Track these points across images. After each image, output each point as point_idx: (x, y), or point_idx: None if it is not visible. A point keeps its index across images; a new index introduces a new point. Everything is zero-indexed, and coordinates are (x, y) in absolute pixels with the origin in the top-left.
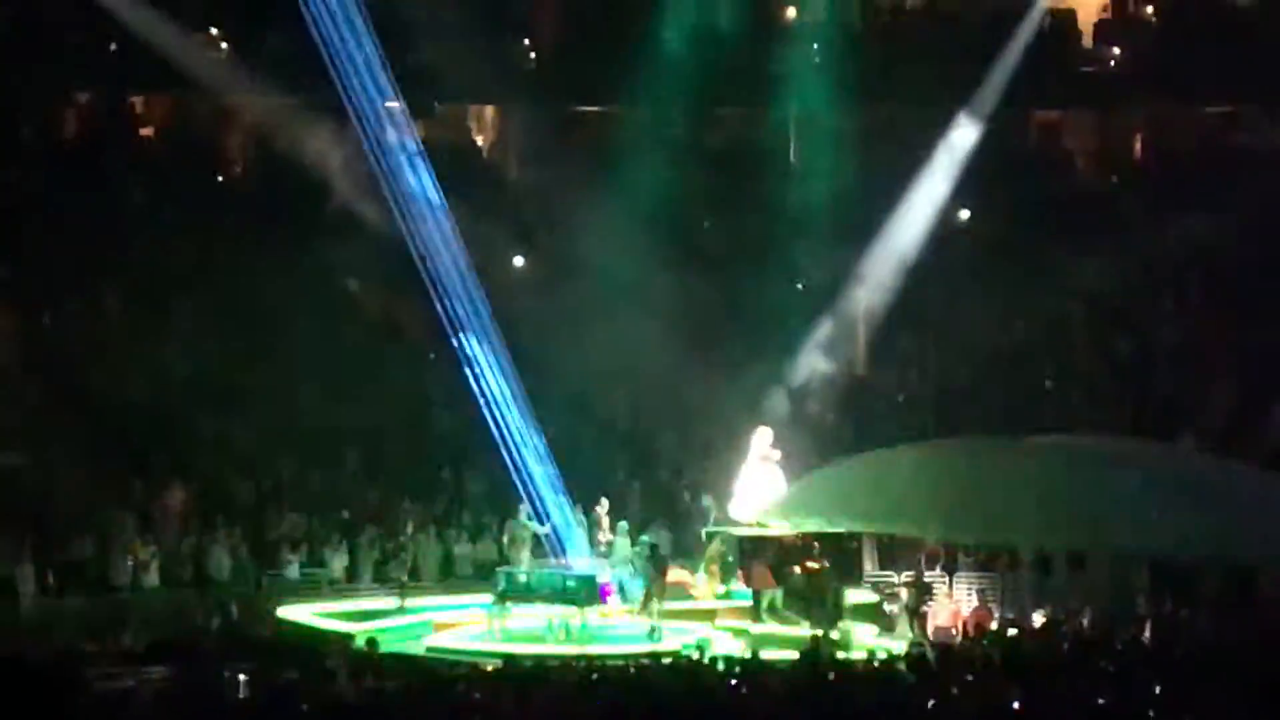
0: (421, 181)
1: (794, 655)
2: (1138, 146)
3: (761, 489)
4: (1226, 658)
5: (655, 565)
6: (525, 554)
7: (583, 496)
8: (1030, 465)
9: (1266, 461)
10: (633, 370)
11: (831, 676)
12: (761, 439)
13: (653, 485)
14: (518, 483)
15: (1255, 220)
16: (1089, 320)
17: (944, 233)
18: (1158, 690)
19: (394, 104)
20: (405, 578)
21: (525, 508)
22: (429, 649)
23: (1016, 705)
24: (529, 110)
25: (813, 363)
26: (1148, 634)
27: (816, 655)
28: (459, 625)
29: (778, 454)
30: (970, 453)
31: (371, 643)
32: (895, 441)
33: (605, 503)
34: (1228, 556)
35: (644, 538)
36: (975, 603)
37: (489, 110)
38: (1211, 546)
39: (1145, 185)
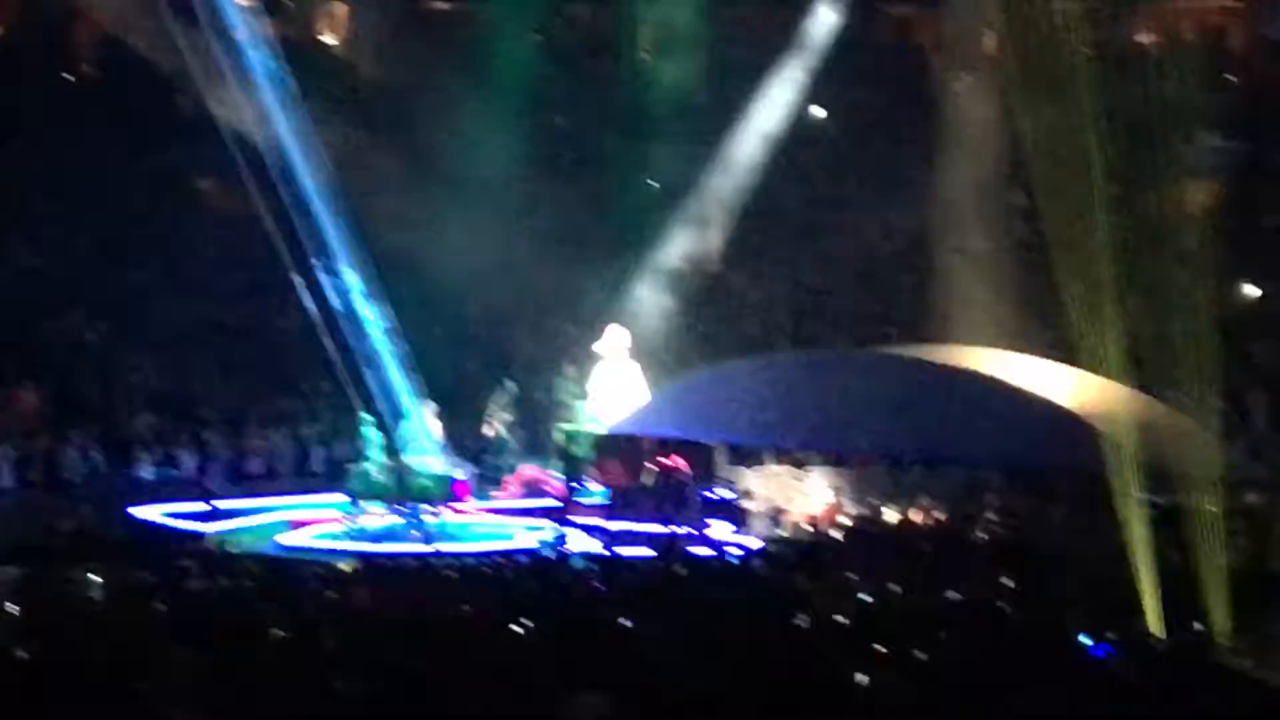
0: (272, 79)
1: (649, 552)
2: (988, 41)
3: (617, 387)
4: (1078, 553)
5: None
6: (377, 452)
7: (438, 397)
8: (880, 376)
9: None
10: (488, 270)
11: (685, 572)
12: (615, 337)
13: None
14: (370, 382)
15: (1100, 115)
16: (943, 221)
17: (802, 131)
18: (1008, 584)
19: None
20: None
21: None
22: (283, 548)
23: (867, 597)
24: (379, 6)
25: (669, 260)
26: (1001, 530)
27: (671, 551)
28: (313, 524)
29: (626, 351)
30: (822, 364)
31: (222, 542)
32: (750, 341)
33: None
34: (1074, 465)
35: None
36: (829, 498)
37: (339, 6)
38: (1057, 457)
39: (996, 82)
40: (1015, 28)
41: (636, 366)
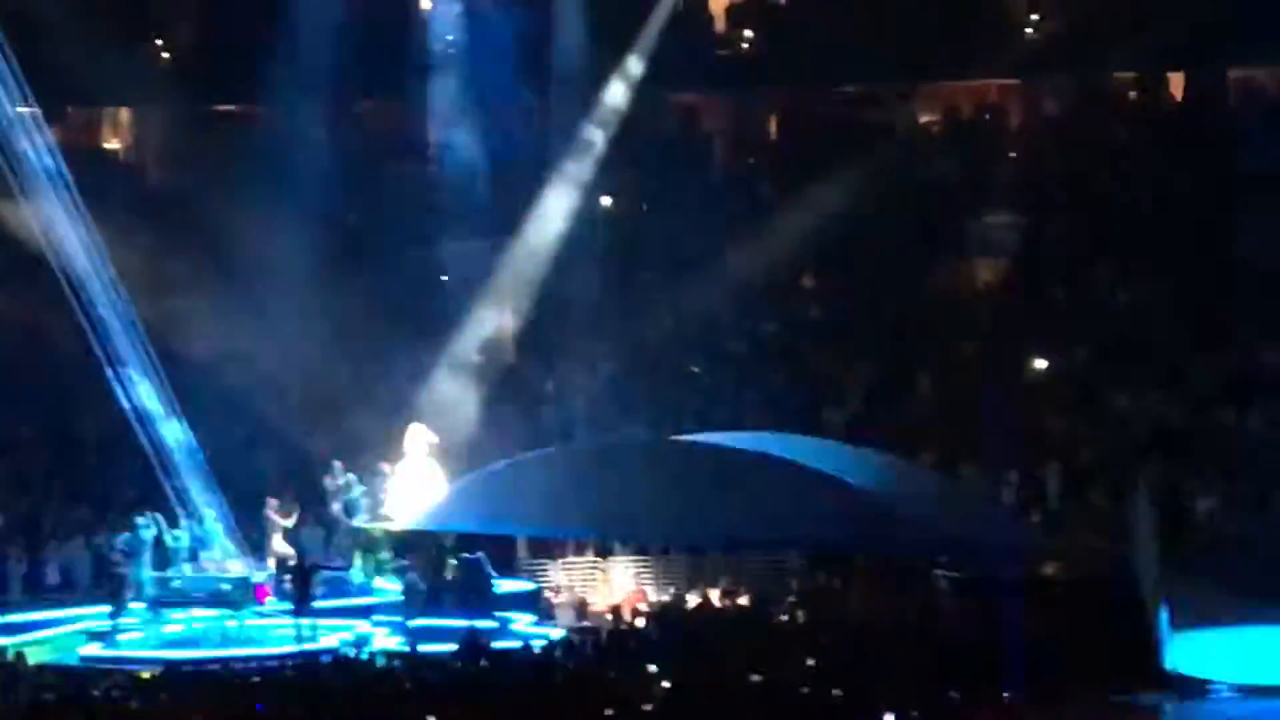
0: (56, 186)
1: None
2: (773, 128)
3: (420, 485)
4: (876, 633)
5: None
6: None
7: (237, 498)
8: (677, 463)
9: (908, 434)
10: (283, 368)
11: (486, 664)
12: (416, 435)
13: (306, 484)
14: (168, 487)
15: (889, 195)
16: (735, 305)
17: (588, 220)
18: (809, 664)
19: (25, 109)
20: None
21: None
22: (83, 658)
23: (667, 684)
24: (165, 111)
25: (464, 355)
26: (801, 613)
27: (474, 645)
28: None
29: (433, 448)
30: (619, 453)
31: (20, 656)
32: (545, 432)
33: (273, 501)
34: (869, 546)
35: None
36: (632, 586)
37: (124, 112)
38: (855, 537)
39: (782, 166)
40: (797, 112)
41: (437, 465)
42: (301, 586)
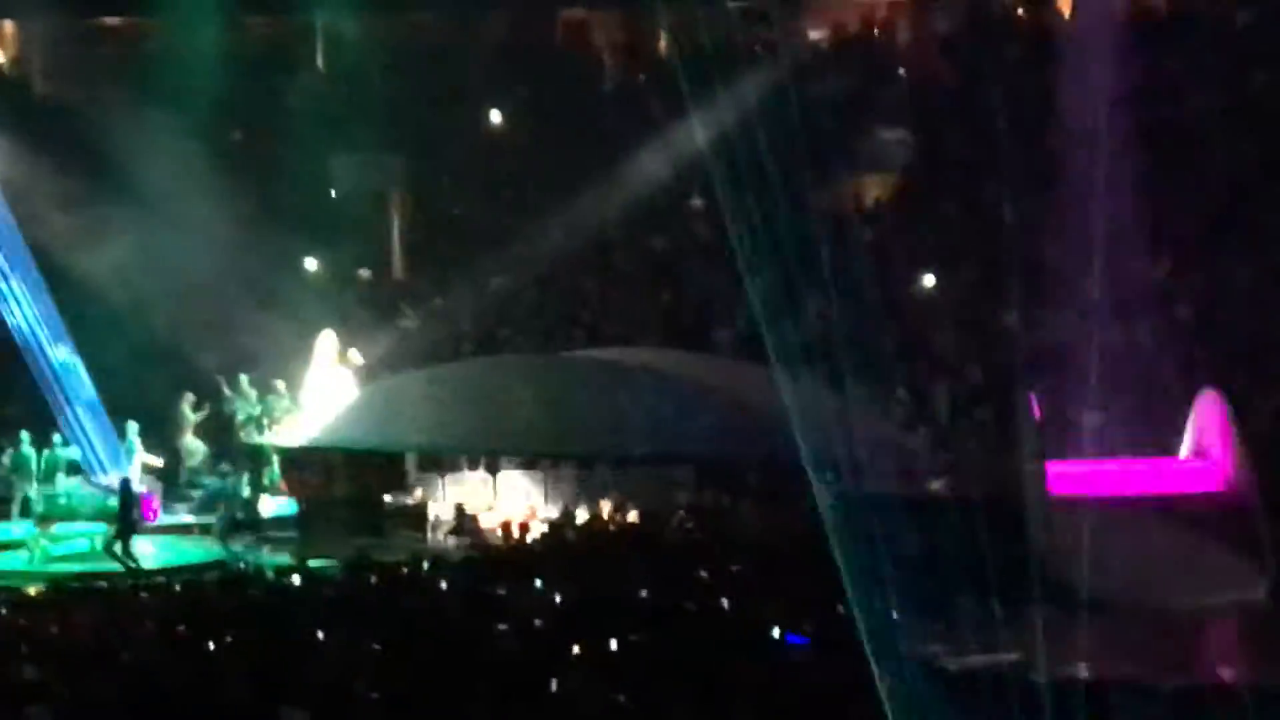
0: None
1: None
2: (662, 44)
3: (332, 393)
4: (766, 549)
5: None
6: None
7: (123, 416)
8: (558, 379)
9: (796, 352)
10: (170, 286)
11: (376, 580)
12: (326, 343)
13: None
14: (53, 405)
15: (777, 112)
16: (624, 222)
17: (479, 136)
18: (701, 579)
19: None
20: None
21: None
22: None
23: (559, 598)
24: (49, 24)
25: (354, 270)
26: (691, 528)
27: (361, 562)
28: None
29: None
30: (508, 369)
31: None
32: (437, 348)
33: (134, 425)
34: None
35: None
36: (521, 502)
37: (8, 25)
38: (744, 450)
39: (671, 83)
40: (686, 28)
41: (349, 372)
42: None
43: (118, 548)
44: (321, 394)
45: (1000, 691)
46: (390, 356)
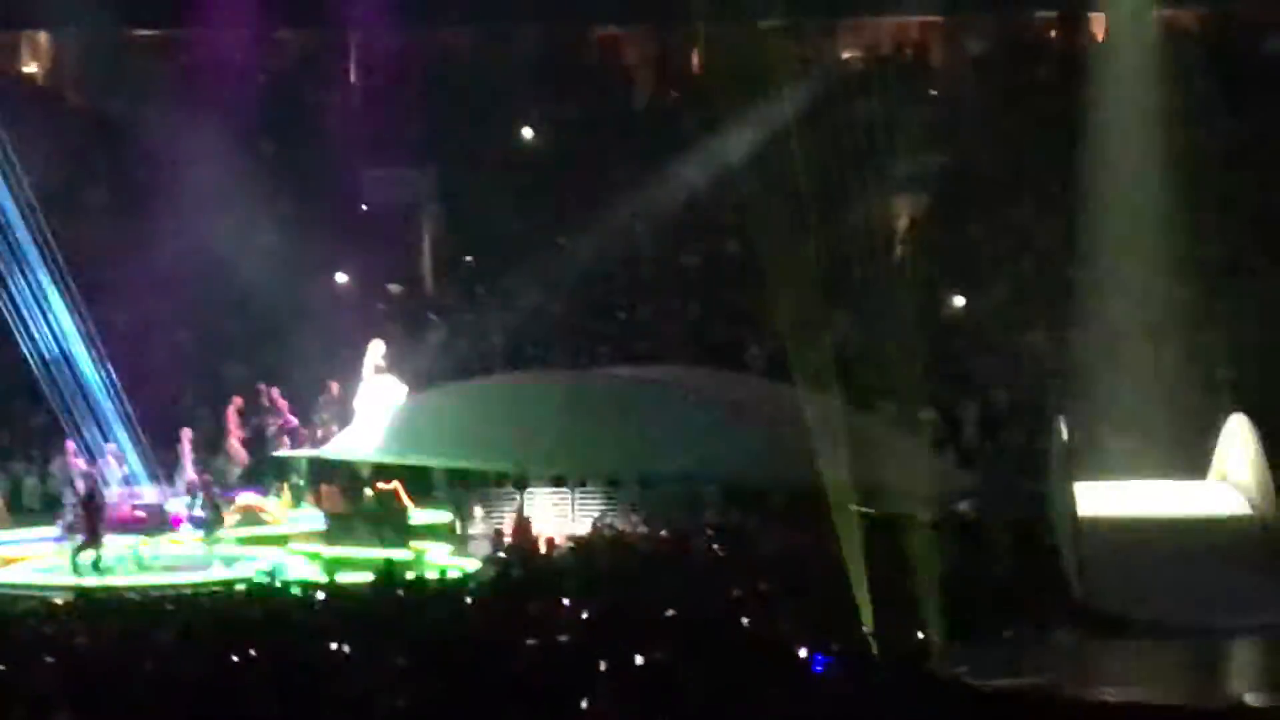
0: None
1: (368, 577)
2: (695, 62)
3: (382, 401)
4: (792, 569)
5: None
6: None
7: (153, 426)
8: (595, 395)
9: (827, 371)
10: (204, 297)
11: (403, 595)
12: (376, 352)
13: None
14: (81, 414)
15: (810, 131)
16: (656, 236)
17: (510, 150)
18: (730, 597)
19: None
20: None
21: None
22: None
23: (587, 615)
24: (85, 34)
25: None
26: (717, 547)
27: (389, 576)
28: (27, 559)
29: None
30: (539, 386)
31: None
32: (466, 362)
33: (188, 432)
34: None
35: None
36: (550, 517)
37: (42, 35)
38: (772, 472)
39: (704, 100)
40: (719, 46)
41: (398, 381)
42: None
43: (82, 556)
44: (372, 403)
45: (1027, 714)
46: (419, 370)
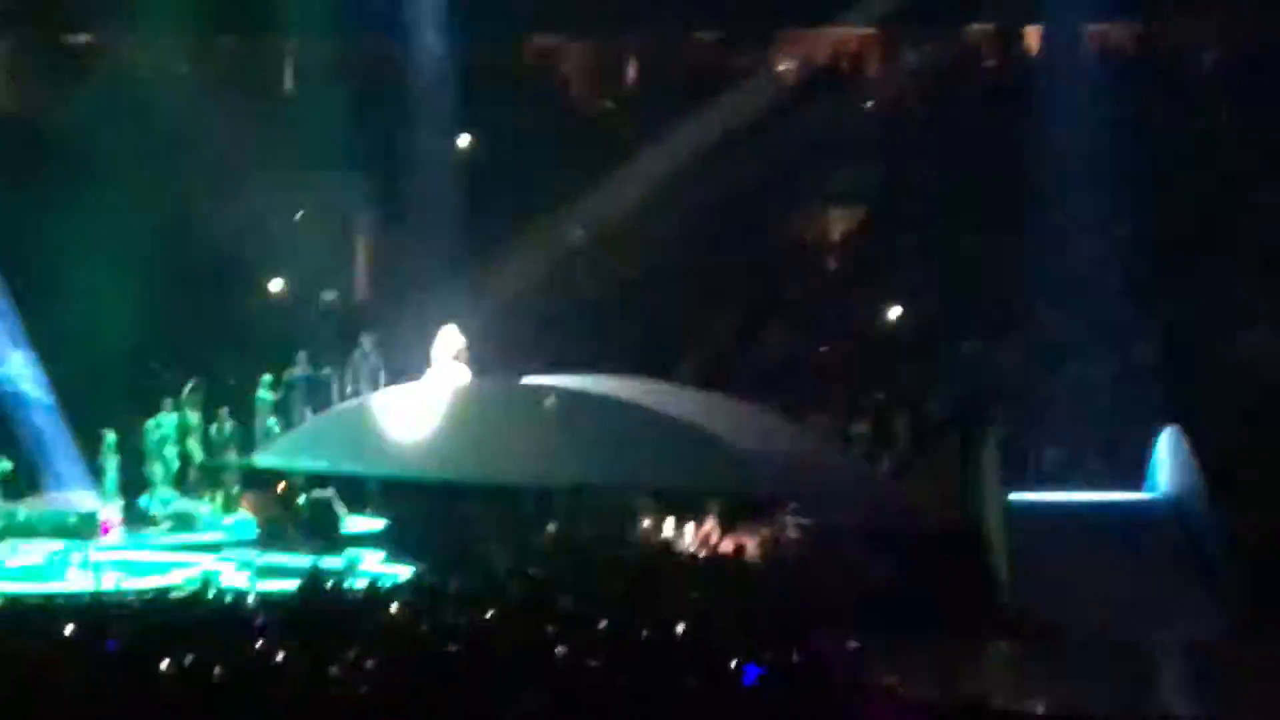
0: None
1: (296, 584)
2: (631, 73)
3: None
4: (723, 579)
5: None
6: None
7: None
8: (529, 404)
9: (761, 381)
10: (126, 307)
11: (330, 602)
12: (447, 339)
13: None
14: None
15: (751, 139)
16: (592, 250)
17: (448, 160)
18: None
19: None
20: None
21: None
22: None
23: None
24: (10, 39)
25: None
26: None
27: (317, 583)
28: None
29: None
30: (470, 394)
31: None
32: (398, 374)
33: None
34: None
35: None
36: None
37: None
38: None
39: (640, 111)
40: (655, 57)
41: (468, 370)
42: None
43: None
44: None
45: None
46: (359, 377)
